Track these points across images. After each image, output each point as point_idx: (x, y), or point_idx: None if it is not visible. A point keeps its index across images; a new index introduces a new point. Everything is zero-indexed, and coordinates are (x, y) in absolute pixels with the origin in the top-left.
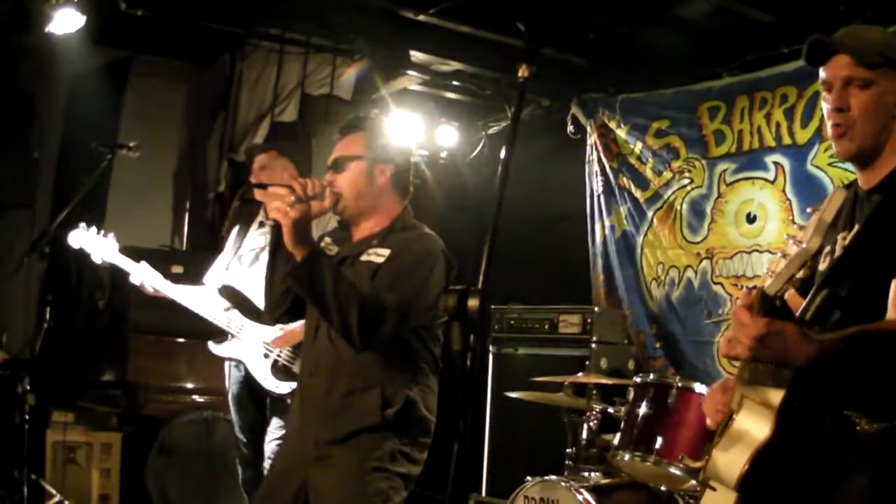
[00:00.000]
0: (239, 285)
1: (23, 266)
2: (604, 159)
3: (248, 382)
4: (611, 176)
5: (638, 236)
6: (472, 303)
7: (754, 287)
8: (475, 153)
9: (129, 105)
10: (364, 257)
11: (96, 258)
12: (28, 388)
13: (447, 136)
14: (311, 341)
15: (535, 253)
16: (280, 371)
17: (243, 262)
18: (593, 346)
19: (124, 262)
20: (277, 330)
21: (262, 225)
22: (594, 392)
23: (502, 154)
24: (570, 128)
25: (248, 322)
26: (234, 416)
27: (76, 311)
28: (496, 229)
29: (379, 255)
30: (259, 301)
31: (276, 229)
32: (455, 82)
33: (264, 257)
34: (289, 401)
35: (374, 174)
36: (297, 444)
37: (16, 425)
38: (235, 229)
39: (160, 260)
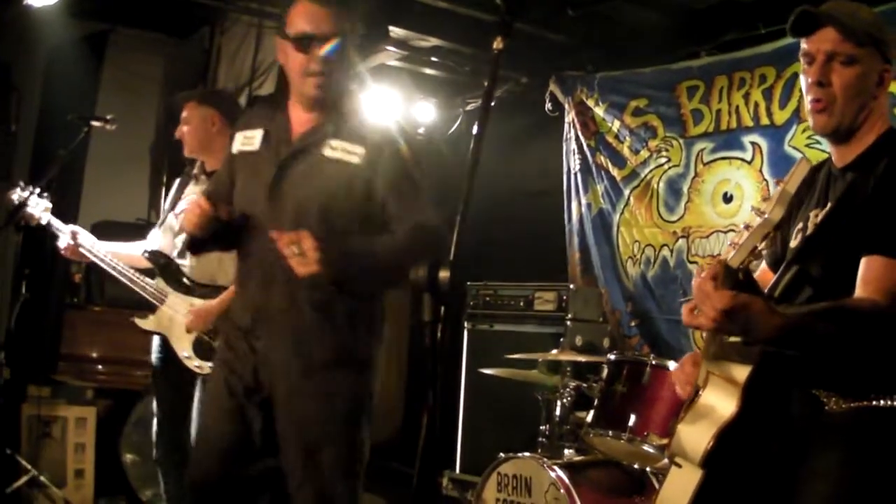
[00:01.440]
0: (169, 248)
1: None
2: (581, 137)
3: (171, 358)
4: (588, 154)
5: (614, 214)
6: (443, 274)
7: (717, 257)
8: (452, 130)
9: (106, 78)
10: (328, 153)
11: (32, 217)
12: (3, 362)
13: (425, 113)
14: (261, 245)
15: (511, 230)
16: (205, 348)
17: (176, 223)
18: (568, 323)
19: (56, 224)
20: (198, 306)
21: (196, 180)
22: (568, 369)
23: (475, 129)
24: (548, 105)
25: (173, 292)
26: (154, 391)
27: (52, 285)
28: (468, 202)
29: (348, 151)
30: (187, 268)
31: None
32: (433, 58)
33: None
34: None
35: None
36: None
37: None
38: (176, 182)
39: (136, 233)
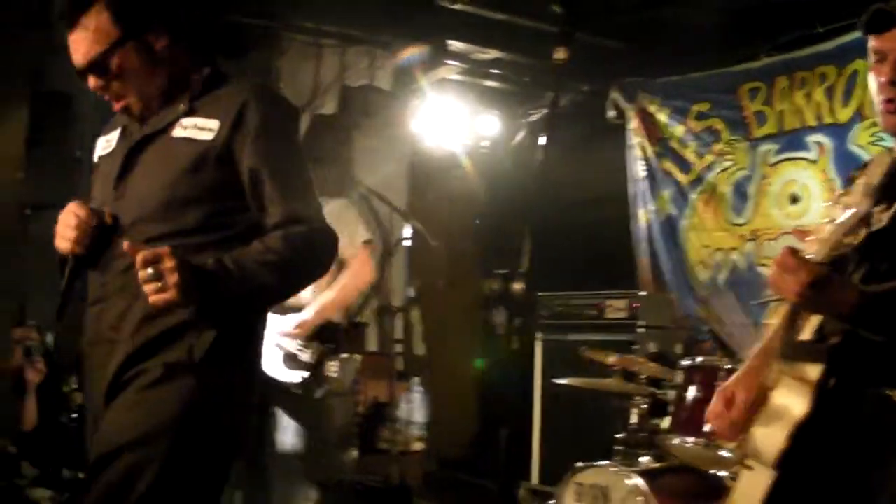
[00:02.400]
0: None
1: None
2: (645, 144)
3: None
4: (653, 160)
5: (682, 220)
6: (517, 286)
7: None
8: (516, 141)
9: None
10: (178, 133)
11: None
12: (76, 386)
13: (488, 125)
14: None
15: (578, 239)
16: (289, 359)
17: None
18: (640, 330)
19: None
20: (291, 322)
21: None
22: (643, 377)
23: (541, 140)
24: (611, 113)
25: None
26: None
27: None
28: (537, 213)
29: (201, 128)
30: None
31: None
32: (494, 70)
33: None
34: (293, 390)
35: (147, 47)
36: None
37: (64, 424)
38: None
39: None
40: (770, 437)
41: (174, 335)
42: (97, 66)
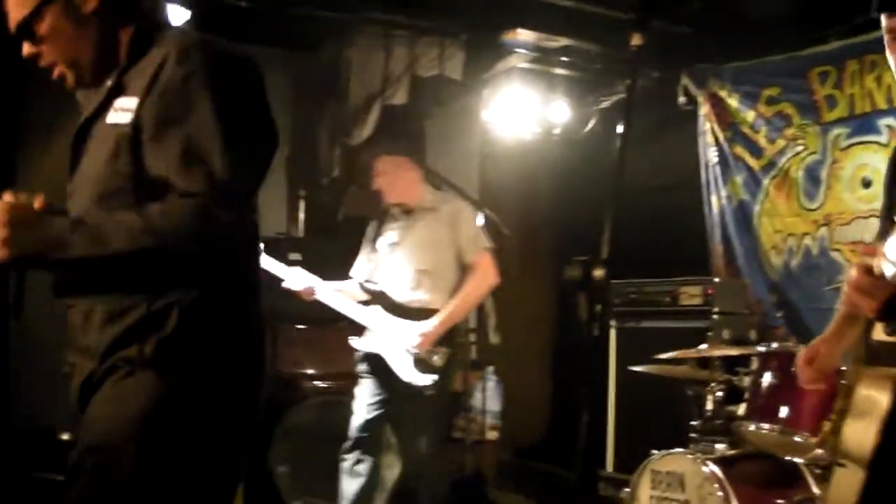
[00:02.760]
0: (377, 279)
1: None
2: (717, 129)
3: (378, 372)
4: (724, 146)
5: (754, 205)
6: (598, 272)
7: (861, 243)
8: (588, 128)
9: None
10: (110, 117)
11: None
12: None
13: (558, 113)
14: None
15: (650, 226)
16: (420, 363)
17: (380, 256)
18: (715, 317)
19: (275, 267)
20: (417, 330)
21: (395, 218)
22: (717, 363)
23: (619, 128)
24: (682, 99)
25: (389, 317)
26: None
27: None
28: (616, 199)
29: (122, 109)
30: (397, 294)
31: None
32: (564, 58)
33: (400, 250)
34: (426, 392)
35: (75, 8)
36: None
37: None
38: (373, 224)
39: (277, 247)
40: (860, 433)
41: (136, 332)
42: (26, 29)
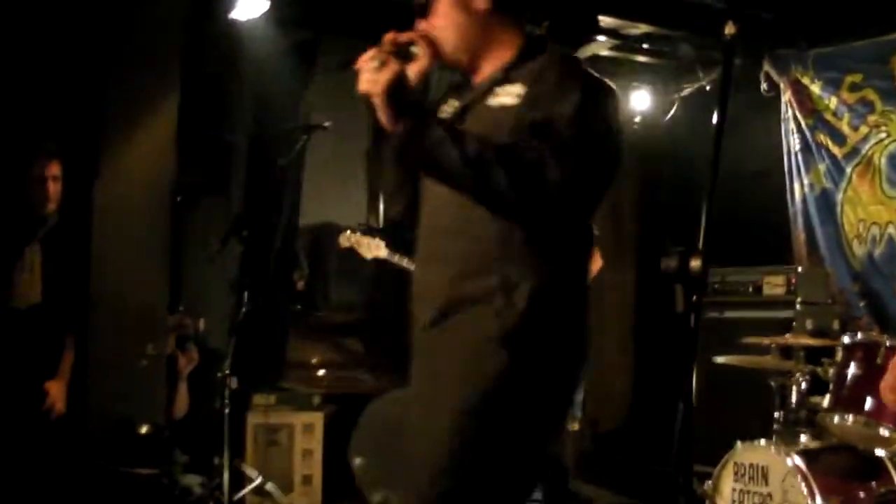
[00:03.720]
0: None
1: (222, 251)
2: (799, 116)
3: None
4: (807, 133)
5: (837, 193)
6: (695, 262)
7: None
8: (668, 117)
9: (317, 86)
10: (491, 101)
11: (367, 255)
12: (228, 372)
13: (640, 101)
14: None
15: (732, 213)
16: None
17: None
18: (798, 306)
19: (403, 262)
20: None
21: None
22: (801, 354)
23: (710, 117)
24: (764, 85)
25: None
26: None
27: (275, 293)
28: (714, 188)
29: (510, 93)
30: None
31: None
32: (645, 45)
33: None
34: None
35: (466, 4)
36: None
37: (216, 410)
38: None
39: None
40: None
41: (479, 300)
42: (425, 6)
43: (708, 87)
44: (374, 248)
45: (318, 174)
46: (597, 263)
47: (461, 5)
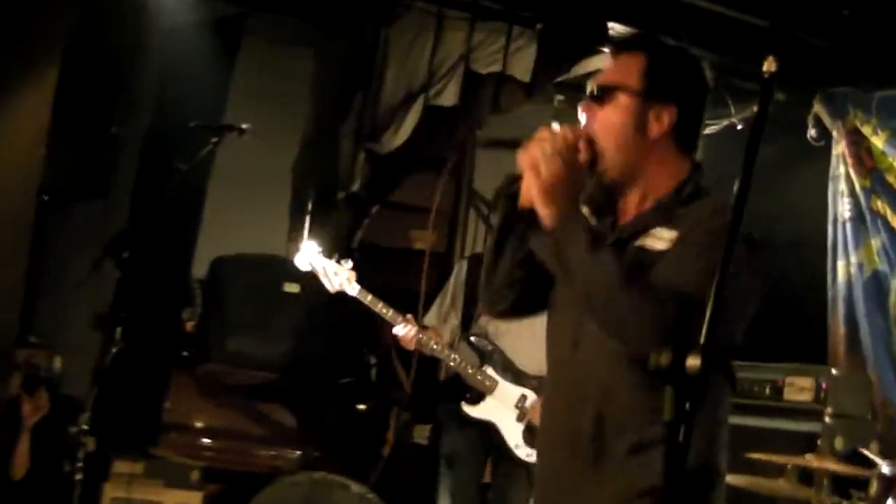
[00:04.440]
0: (491, 336)
1: (95, 273)
2: (853, 175)
3: (482, 442)
4: (861, 198)
5: (892, 279)
6: (692, 362)
7: None
8: None
9: (239, 74)
10: (639, 241)
11: (330, 286)
12: (86, 428)
13: None
14: (568, 352)
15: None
16: (533, 435)
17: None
18: (827, 419)
19: (377, 306)
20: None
21: None
22: (825, 481)
23: (735, 163)
24: (812, 132)
25: (503, 381)
26: (444, 476)
27: (157, 334)
28: (729, 258)
29: (660, 238)
30: (517, 356)
31: (509, 198)
32: None
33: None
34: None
35: (647, 118)
36: None
37: (65, 475)
38: (463, 268)
39: (272, 274)
40: None
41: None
42: (598, 92)
43: (739, 126)
44: (342, 280)
45: (228, 188)
46: None
47: (638, 124)
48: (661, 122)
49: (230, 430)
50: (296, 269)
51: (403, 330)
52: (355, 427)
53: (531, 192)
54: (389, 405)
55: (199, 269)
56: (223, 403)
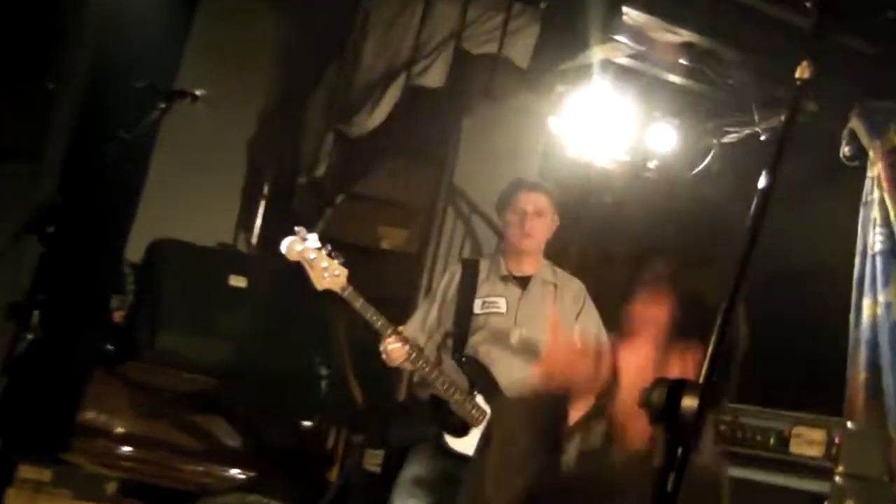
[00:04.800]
0: (482, 359)
1: (15, 247)
2: (888, 202)
3: (457, 477)
4: None
5: None
6: (687, 402)
7: None
8: (699, 168)
9: (196, 35)
10: None
11: (318, 283)
12: None
13: (661, 139)
14: None
15: (767, 327)
16: None
17: (483, 326)
18: (838, 479)
19: (367, 313)
20: None
21: (500, 279)
22: None
23: (761, 183)
24: (845, 149)
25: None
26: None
27: (79, 324)
28: (739, 287)
29: None
30: (509, 387)
31: None
32: (684, 61)
33: (518, 329)
34: None
35: None
36: None
37: None
38: (455, 277)
39: (217, 264)
40: None
41: None
42: None
43: (763, 136)
44: (333, 278)
45: (175, 162)
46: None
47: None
48: None
49: (155, 440)
50: (244, 260)
51: (393, 345)
52: (299, 446)
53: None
54: (339, 424)
55: (135, 252)
56: (149, 409)
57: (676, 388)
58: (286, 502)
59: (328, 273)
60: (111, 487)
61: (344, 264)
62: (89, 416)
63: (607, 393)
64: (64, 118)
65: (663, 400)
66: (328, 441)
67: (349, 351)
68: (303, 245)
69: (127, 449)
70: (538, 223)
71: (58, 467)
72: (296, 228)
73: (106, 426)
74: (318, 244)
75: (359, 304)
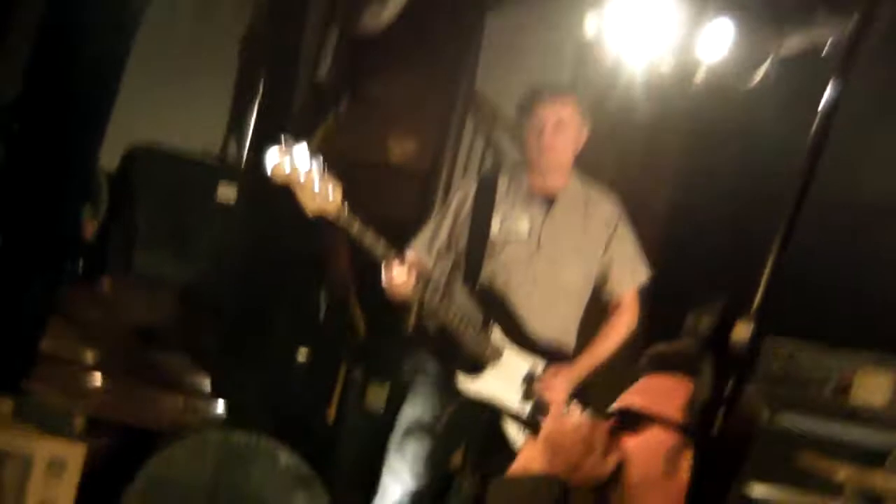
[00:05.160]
0: (500, 288)
1: None
2: None
3: (464, 421)
4: None
5: None
6: (741, 330)
7: None
8: (755, 81)
9: None
10: None
11: (311, 205)
12: None
13: (712, 46)
14: None
15: (832, 264)
16: (536, 421)
17: (501, 248)
18: None
19: (365, 237)
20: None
21: (525, 195)
22: None
23: (826, 97)
24: None
25: (511, 348)
26: (400, 449)
27: (45, 236)
28: (795, 217)
29: None
30: (529, 318)
31: None
32: None
33: (540, 251)
34: None
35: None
36: None
37: None
38: (471, 192)
39: (203, 174)
40: None
41: None
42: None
43: (826, 50)
44: (325, 198)
45: (156, 58)
46: (634, 324)
47: None
48: None
49: (128, 370)
50: (232, 172)
51: (398, 273)
52: (292, 380)
53: None
54: (338, 356)
55: (109, 159)
56: (123, 335)
57: (727, 314)
58: (275, 440)
59: (323, 194)
60: (79, 423)
61: (339, 181)
62: (54, 341)
63: (613, 477)
64: (32, 5)
65: (712, 326)
66: (325, 375)
67: (353, 275)
68: (290, 162)
69: (98, 381)
70: (560, 137)
71: (18, 397)
72: (282, 136)
73: (73, 353)
74: (308, 158)
75: (355, 228)
